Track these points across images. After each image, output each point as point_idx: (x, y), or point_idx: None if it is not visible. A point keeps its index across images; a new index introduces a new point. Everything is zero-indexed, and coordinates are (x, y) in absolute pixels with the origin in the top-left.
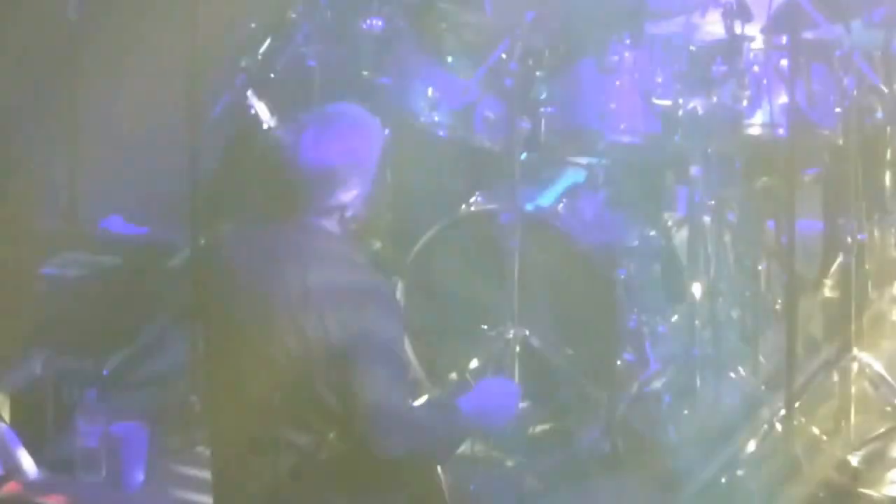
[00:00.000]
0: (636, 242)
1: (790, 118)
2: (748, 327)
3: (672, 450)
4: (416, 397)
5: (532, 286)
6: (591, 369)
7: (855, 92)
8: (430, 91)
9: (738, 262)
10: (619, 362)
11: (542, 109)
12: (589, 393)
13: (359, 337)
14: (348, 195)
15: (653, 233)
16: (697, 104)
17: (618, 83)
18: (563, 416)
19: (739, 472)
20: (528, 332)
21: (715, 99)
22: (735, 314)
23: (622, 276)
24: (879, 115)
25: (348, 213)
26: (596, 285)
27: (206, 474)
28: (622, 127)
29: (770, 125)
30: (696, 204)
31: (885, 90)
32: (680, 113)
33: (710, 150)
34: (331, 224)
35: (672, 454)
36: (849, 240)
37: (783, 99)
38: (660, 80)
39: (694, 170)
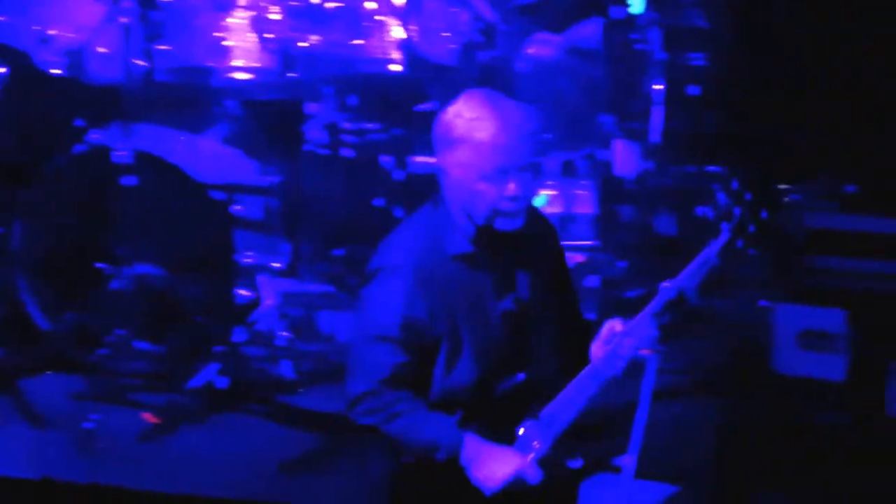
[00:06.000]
0: (252, 180)
1: (405, 54)
2: None
3: (289, 385)
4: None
5: (150, 223)
6: (208, 306)
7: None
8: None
9: None
10: (234, 299)
11: (155, 46)
12: (207, 330)
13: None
14: None
15: (271, 170)
16: (313, 40)
17: (232, 19)
18: (183, 353)
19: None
20: (147, 269)
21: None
22: None
23: (236, 213)
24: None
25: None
26: (210, 222)
27: None
28: (239, 64)
29: (384, 61)
30: None
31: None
32: (294, 49)
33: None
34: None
35: (289, 390)
36: None
37: (398, 34)
38: (276, 15)
39: None
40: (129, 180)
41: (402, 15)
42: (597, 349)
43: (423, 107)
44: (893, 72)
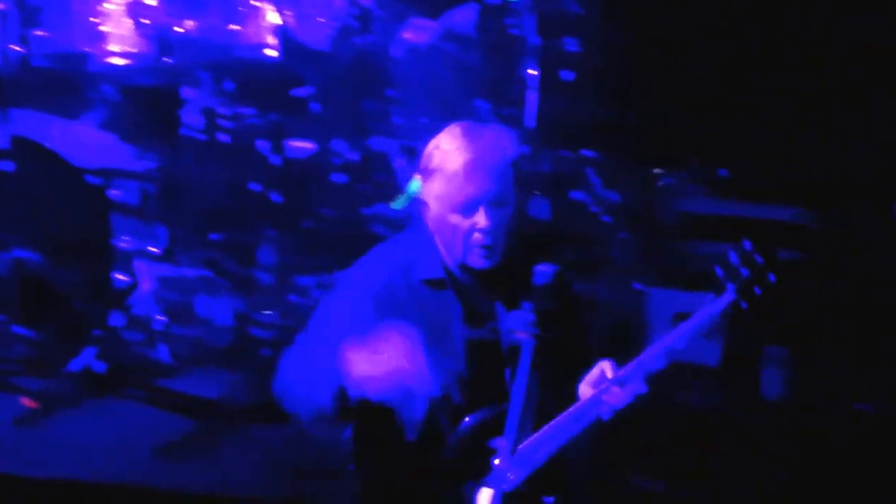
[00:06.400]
0: (129, 164)
1: (280, 39)
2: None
3: (165, 369)
4: None
5: (27, 208)
6: (85, 290)
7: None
8: None
9: None
10: (111, 283)
11: (31, 32)
12: (84, 314)
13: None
14: None
15: (148, 154)
16: (189, 26)
17: (108, 4)
18: (60, 338)
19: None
20: (24, 254)
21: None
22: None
23: (113, 198)
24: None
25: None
26: (87, 206)
27: None
28: (116, 49)
29: (259, 46)
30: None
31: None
32: (170, 34)
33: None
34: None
35: (165, 374)
36: None
37: (274, 19)
38: (152, 1)
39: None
40: (5, 165)
41: (277, 0)
42: (584, 389)
43: (299, 92)
44: (765, 59)
